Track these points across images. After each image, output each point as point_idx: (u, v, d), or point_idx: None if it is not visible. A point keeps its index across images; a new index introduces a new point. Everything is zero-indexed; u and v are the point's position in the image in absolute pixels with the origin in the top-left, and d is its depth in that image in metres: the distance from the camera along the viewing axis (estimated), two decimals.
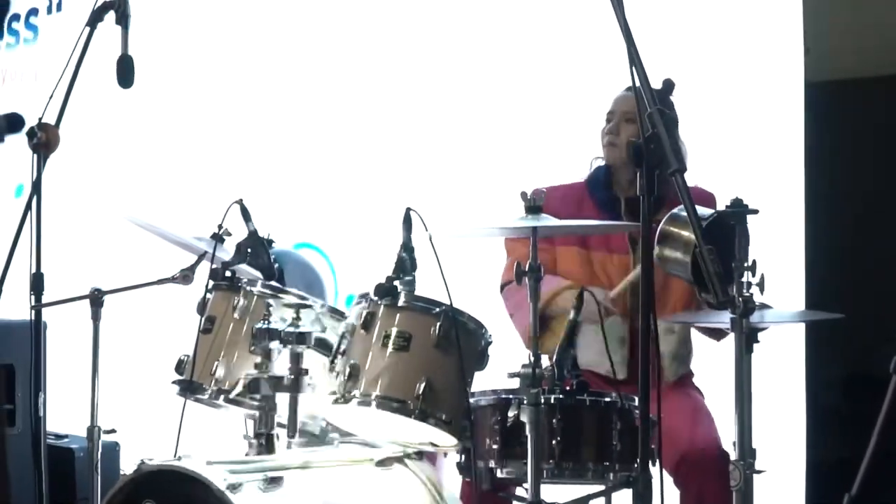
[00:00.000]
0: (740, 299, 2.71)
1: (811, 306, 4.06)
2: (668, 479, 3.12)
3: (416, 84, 4.54)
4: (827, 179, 4.15)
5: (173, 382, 3.16)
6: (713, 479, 3.09)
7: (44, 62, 5.35)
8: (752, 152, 4.08)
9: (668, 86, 3.25)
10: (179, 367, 3.17)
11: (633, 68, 2.42)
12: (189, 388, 3.09)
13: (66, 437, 4.19)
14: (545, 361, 2.89)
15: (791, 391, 4.07)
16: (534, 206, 2.86)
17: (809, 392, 4.14)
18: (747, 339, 2.79)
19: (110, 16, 3.22)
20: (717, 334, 3.48)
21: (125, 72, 3.14)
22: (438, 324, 2.87)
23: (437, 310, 2.89)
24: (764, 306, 2.88)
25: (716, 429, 3.26)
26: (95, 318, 3.29)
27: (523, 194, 2.88)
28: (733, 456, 2.79)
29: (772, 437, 3.06)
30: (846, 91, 4.24)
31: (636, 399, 2.95)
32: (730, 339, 3.32)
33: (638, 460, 2.89)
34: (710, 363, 3.55)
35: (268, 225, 3.37)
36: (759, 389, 2.72)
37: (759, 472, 2.76)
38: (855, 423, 4.11)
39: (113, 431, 3.37)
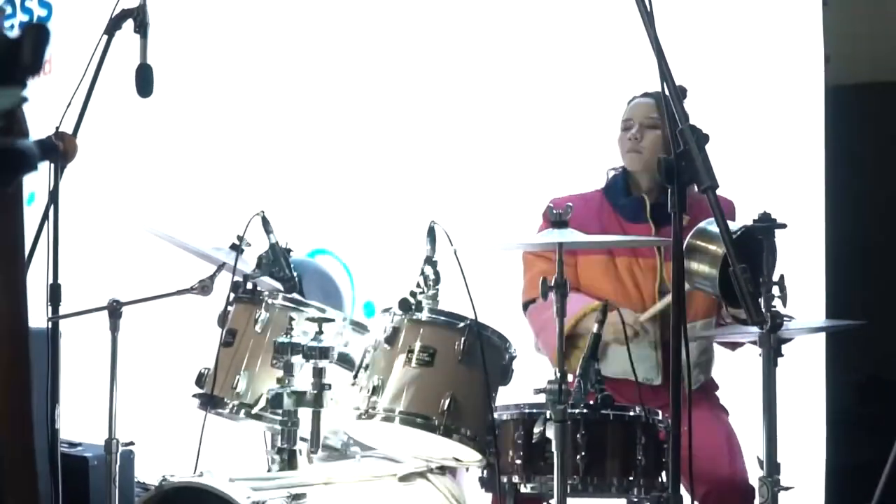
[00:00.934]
0: (768, 314, 2.70)
1: (831, 312, 4.04)
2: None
3: (439, 94, 4.50)
4: (847, 184, 4.12)
5: (194, 396, 3.13)
6: None
7: (59, 48, 5.24)
8: (773, 158, 4.06)
9: (682, 92, 3.22)
10: (200, 380, 3.14)
11: (665, 83, 2.38)
12: (210, 402, 3.07)
13: (79, 444, 4.15)
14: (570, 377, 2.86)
15: (810, 397, 4.05)
16: (560, 220, 2.83)
17: (829, 398, 4.12)
18: (773, 353, 2.78)
19: (129, 24, 3.19)
20: (732, 344, 3.44)
21: (144, 81, 3.10)
22: (463, 338, 2.84)
23: (462, 324, 2.86)
24: (788, 318, 2.86)
25: (744, 461, 3.23)
26: (114, 329, 3.26)
27: (549, 209, 2.85)
28: (760, 472, 2.77)
29: (791, 444, 3.04)
30: (866, 95, 4.22)
31: (660, 413, 2.94)
32: (747, 349, 3.31)
33: (663, 474, 2.90)
34: (727, 370, 3.53)
35: (286, 232, 3.34)
36: (779, 396, 2.70)
37: (786, 488, 2.75)
38: (874, 428, 4.10)
39: (131, 444, 3.35)
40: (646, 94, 3.44)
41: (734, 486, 3.15)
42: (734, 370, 3.47)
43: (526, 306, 3.39)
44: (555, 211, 2.83)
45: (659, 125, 3.35)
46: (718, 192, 3.31)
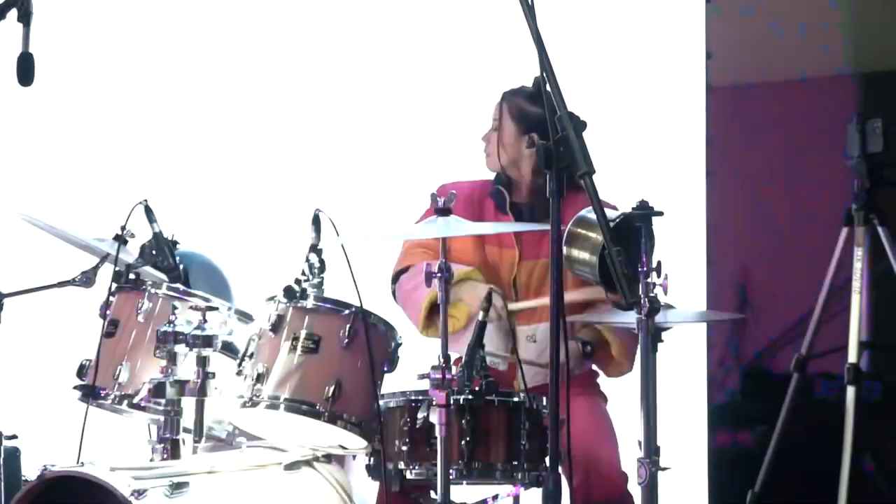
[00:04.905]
0: (646, 300, 2.76)
1: (712, 306, 4.14)
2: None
3: (321, 84, 4.52)
4: (727, 181, 4.24)
5: (75, 387, 3.09)
6: (611, 500, 3.15)
7: None
8: (654, 154, 4.15)
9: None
10: (81, 371, 3.11)
11: (544, 73, 2.43)
12: (91, 394, 3.04)
13: None
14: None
15: (691, 388, 4.15)
16: (443, 208, 2.87)
17: (709, 388, 4.23)
18: (652, 339, 2.84)
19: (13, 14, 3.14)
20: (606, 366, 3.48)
21: (25, 69, 3.06)
22: (348, 325, 2.86)
23: (347, 311, 2.87)
24: (668, 306, 2.93)
25: (618, 450, 3.30)
26: None
27: (433, 196, 2.89)
28: (639, 454, 2.83)
29: (674, 433, 3.11)
30: (747, 95, 4.34)
31: (544, 399, 2.99)
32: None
33: (546, 459, 2.94)
34: None
35: (172, 226, 3.32)
36: (661, 387, 2.76)
37: (664, 468, 2.81)
38: (754, 419, 4.23)
39: (15, 437, 3.30)
40: (508, 94, 3.49)
41: (607, 473, 3.21)
42: None
43: (395, 279, 3.42)
44: (439, 198, 2.86)
45: (497, 127, 3.42)
46: (603, 187, 3.42)
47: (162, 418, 2.95)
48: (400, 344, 2.98)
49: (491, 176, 3.52)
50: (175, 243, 3.29)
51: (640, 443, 2.84)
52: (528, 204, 3.44)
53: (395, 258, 3.46)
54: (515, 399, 2.95)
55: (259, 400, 2.84)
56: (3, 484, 3.27)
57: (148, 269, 3.20)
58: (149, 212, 3.18)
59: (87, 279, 3.19)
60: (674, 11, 4.16)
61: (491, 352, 3.03)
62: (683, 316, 3.14)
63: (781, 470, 3.81)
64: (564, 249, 2.81)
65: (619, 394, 3.48)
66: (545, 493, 2.51)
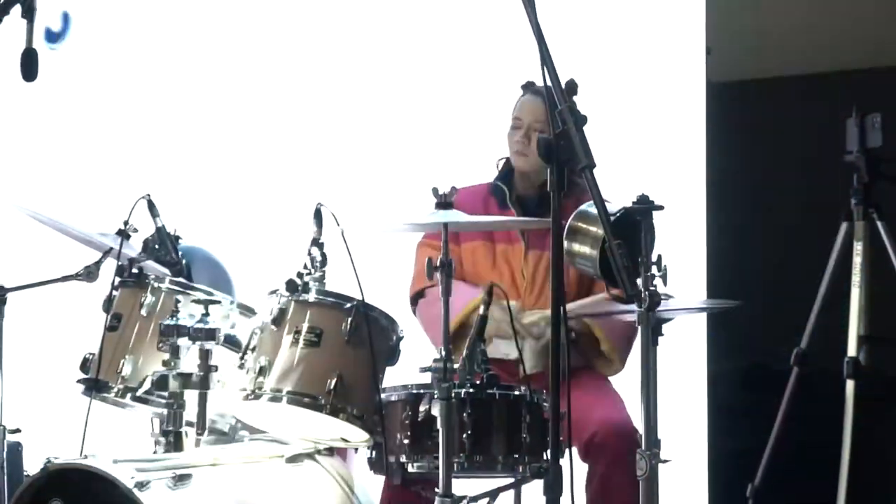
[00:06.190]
0: (646, 293, 2.77)
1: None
2: (577, 465, 3.17)
3: (326, 79, 4.53)
4: (728, 176, 4.25)
5: (78, 381, 3.11)
6: (622, 455, 3.14)
7: None
8: (655, 150, 4.16)
9: (572, 87, 3.28)
10: (85, 365, 3.12)
11: (545, 67, 2.45)
12: (94, 387, 3.05)
13: None
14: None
15: (693, 383, 4.16)
16: (445, 201, 2.88)
17: (710, 383, 4.24)
18: (653, 332, 2.85)
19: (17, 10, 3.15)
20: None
21: (29, 65, 3.07)
22: (349, 319, 2.87)
23: (349, 305, 2.89)
24: (666, 297, 2.94)
25: (624, 407, 3.32)
26: None
27: (434, 190, 2.90)
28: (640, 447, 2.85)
29: (675, 428, 3.13)
30: (746, 91, 4.35)
31: (545, 392, 3.00)
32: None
33: (547, 452, 2.96)
34: None
35: (175, 221, 3.33)
36: (662, 381, 2.78)
37: (664, 461, 2.82)
38: (755, 413, 4.24)
39: (17, 431, 3.31)
40: (535, 90, 3.50)
41: (611, 427, 3.23)
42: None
43: (414, 300, 3.45)
44: (440, 192, 2.88)
45: (546, 130, 3.43)
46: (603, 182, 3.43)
47: (165, 412, 2.97)
48: (402, 337, 3.00)
49: (489, 178, 3.54)
50: (177, 238, 3.31)
51: (640, 436, 2.86)
52: (536, 197, 3.45)
53: (394, 255, 3.48)
54: (516, 392, 2.97)
55: (261, 393, 2.86)
56: (6, 478, 3.29)
57: (151, 263, 3.21)
58: (151, 206, 3.20)
59: (91, 274, 3.21)
60: (673, 7, 4.17)
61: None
62: (680, 305, 3.16)
63: (782, 463, 3.82)
64: (565, 243, 2.83)
65: (620, 388, 3.49)
66: (546, 485, 2.52)
